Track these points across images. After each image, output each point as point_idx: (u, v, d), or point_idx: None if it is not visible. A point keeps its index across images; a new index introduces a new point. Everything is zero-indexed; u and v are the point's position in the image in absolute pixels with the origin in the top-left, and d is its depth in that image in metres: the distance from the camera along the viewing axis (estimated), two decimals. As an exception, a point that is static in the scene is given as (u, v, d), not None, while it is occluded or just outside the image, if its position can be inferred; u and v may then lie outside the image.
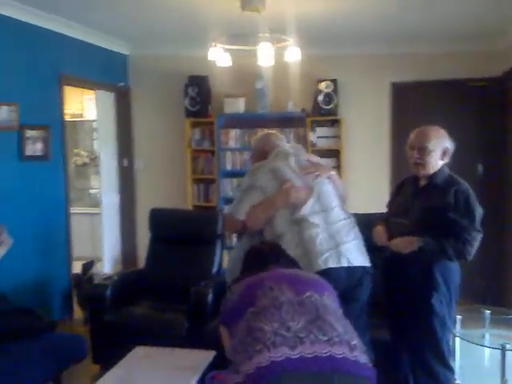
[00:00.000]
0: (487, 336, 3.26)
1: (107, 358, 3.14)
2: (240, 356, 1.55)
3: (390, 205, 2.87)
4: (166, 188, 5.56)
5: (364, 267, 2.49)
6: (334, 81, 4.99)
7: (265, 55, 3.52)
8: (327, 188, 2.63)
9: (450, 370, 2.66)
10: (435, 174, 2.63)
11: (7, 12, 3.78)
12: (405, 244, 2.57)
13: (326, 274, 2.34)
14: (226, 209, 2.79)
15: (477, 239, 2.53)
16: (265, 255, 2.18)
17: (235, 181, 5.35)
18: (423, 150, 2.61)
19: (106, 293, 3.50)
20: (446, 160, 2.65)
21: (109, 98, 5.52)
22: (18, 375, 2.32)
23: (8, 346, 2.38)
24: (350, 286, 2.44)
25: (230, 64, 3.81)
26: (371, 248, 2.65)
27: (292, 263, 2.20)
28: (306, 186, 2.56)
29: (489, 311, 3.35)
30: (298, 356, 1.48)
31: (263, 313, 1.65)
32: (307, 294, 1.75)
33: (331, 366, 1.50)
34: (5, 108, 3.76)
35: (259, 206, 2.59)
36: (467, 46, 4.77)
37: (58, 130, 4.43)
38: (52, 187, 4.40)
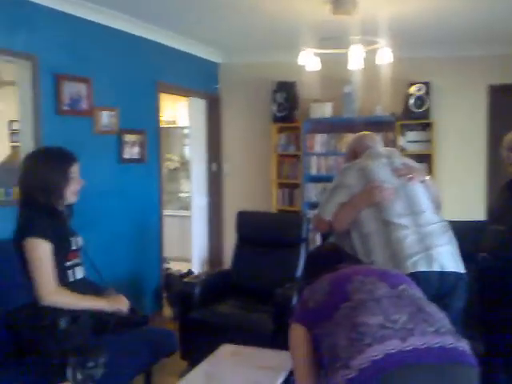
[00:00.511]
0: None
1: (194, 354, 3.26)
2: (346, 351, 1.54)
3: (490, 210, 2.73)
4: (251, 192, 5.66)
5: (458, 273, 2.36)
6: (426, 83, 4.83)
7: (355, 58, 3.49)
8: (419, 191, 2.54)
9: None
10: None
11: (110, 23, 4.05)
12: None
13: (415, 277, 2.23)
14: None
15: None
16: (327, 257, 2.15)
17: (320, 186, 5.34)
18: None
19: (195, 291, 3.63)
20: None
21: (201, 104, 5.75)
22: (116, 365, 2.45)
23: (106, 337, 2.53)
24: (441, 292, 2.32)
25: (319, 68, 3.81)
26: (465, 256, 2.52)
27: (357, 263, 2.16)
28: (393, 187, 2.49)
29: None
30: (410, 348, 1.50)
31: (362, 307, 1.63)
32: (401, 287, 1.73)
33: (443, 357, 1.52)
34: (106, 113, 4.03)
35: (345, 205, 2.56)
36: None
37: (153, 135, 4.67)
38: (147, 189, 4.65)
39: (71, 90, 3.68)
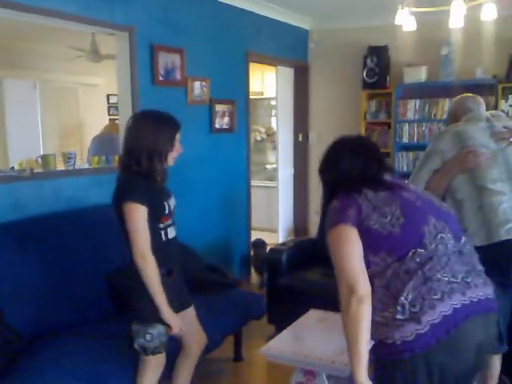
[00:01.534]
0: None
1: (280, 318, 3.32)
2: (414, 303, 1.51)
3: None
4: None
5: None
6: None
7: (457, 15, 3.25)
8: None
9: None
10: None
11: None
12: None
13: (507, 246, 2.16)
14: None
15: None
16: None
17: (412, 154, 5.13)
18: None
19: (282, 258, 3.68)
20: None
21: (288, 73, 5.70)
22: (209, 324, 2.57)
23: (200, 297, 2.64)
24: None
25: (415, 28, 3.61)
26: None
27: None
28: (490, 151, 2.34)
29: None
30: (468, 302, 1.54)
31: (437, 261, 1.56)
32: (463, 240, 1.68)
33: (487, 307, 1.59)
34: (198, 83, 4.12)
35: (438, 172, 2.45)
36: None
37: (242, 105, 4.72)
38: (236, 158, 4.73)
39: (166, 60, 3.79)
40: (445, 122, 2.84)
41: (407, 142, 5.12)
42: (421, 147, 5.06)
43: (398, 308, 1.51)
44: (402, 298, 1.51)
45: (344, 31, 5.40)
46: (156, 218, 2.16)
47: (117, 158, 3.30)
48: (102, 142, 5.47)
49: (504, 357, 2.37)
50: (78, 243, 2.87)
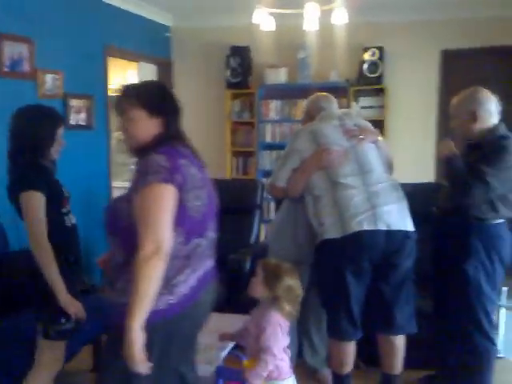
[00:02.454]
0: None
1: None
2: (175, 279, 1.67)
3: None
4: (205, 160, 5.53)
5: (405, 232, 2.36)
6: (380, 48, 4.82)
7: (310, 17, 3.40)
8: (370, 152, 2.52)
9: (491, 341, 2.55)
10: (481, 136, 2.47)
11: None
12: (442, 147, 2.51)
13: (361, 236, 2.29)
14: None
15: (476, 186, 2.34)
16: None
17: (275, 153, 5.29)
18: (452, 118, 2.56)
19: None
20: (481, 121, 2.46)
21: (151, 70, 5.53)
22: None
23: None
24: (388, 251, 2.34)
25: (274, 29, 3.71)
26: (418, 217, 2.52)
27: None
28: (342, 149, 2.47)
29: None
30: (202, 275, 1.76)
31: (201, 251, 1.76)
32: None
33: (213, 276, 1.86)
34: (50, 76, 3.82)
35: (297, 170, 2.56)
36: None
37: (101, 101, 4.47)
38: (95, 158, 4.47)
39: (12, 50, 3.49)
40: (301, 121, 2.95)
41: (270, 141, 5.27)
42: (283, 146, 5.20)
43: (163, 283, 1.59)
44: (171, 276, 1.61)
45: (206, 30, 5.41)
46: (57, 201, 2.21)
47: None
48: None
49: (358, 342, 2.50)
50: None
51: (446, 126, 4.63)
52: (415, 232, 2.41)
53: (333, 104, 2.81)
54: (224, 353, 2.31)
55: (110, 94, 4.66)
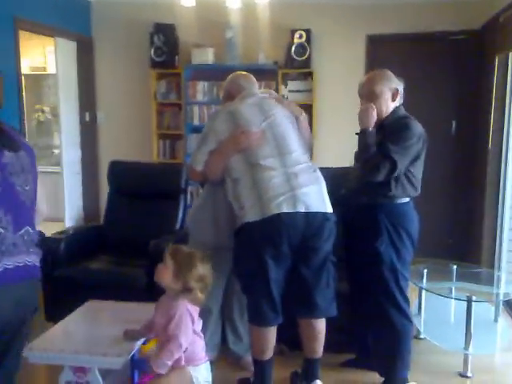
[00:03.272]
0: (453, 289, 3.26)
1: (61, 314, 2.98)
2: None
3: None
4: (129, 143, 5.31)
5: (324, 213, 2.33)
6: (307, 31, 4.76)
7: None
8: (289, 132, 2.47)
9: (407, 317, 2.58)
10: (387, 116, 2.52)
11: None
12: (364, 116, 2.47)
13: (280, 219, 2.23)
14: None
15: (383, 164, 2.37)
16: None
17: (203, 137, 5.14)
18: (371, 97, 2.51)
19: (60, 247, 3.31)
20: (398, 101, 2.54)
21: (70, 47, 5.21)
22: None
23: None
24: (307, 233, 2.30)
25: (194, 4, 3.54)
26: (336, 200, 2.50)
27: None
28: (260, 130, 2.40)
29: (455, 265, 3.33)
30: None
31: None
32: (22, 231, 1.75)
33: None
34: None
35: (214, 153, 2.46)
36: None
37: (12, 80, 4.12)
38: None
39: None
40: (221, 100, 2.84)
41: (198, 123, 5.11)
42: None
43: None
44: None
45: (129, 5, 5.13)
46: None
47: None
48: None
49: (282, 326, 2.44)
50: None
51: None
52: (334, 214, 2.38)
53: (253, 85, 2.72)
54: (139, 343, 2.17)
55: (24, 72, 4.32)
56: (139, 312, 2.50)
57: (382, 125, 2.50)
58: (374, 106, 2.46)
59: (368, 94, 2.53)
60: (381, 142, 2.42)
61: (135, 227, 3.67)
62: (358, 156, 2.53)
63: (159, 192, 3.78)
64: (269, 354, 2.44)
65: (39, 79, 6.79)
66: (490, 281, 3.46)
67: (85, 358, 2.04)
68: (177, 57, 5.05)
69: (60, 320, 2.85)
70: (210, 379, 2.10)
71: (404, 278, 2.57)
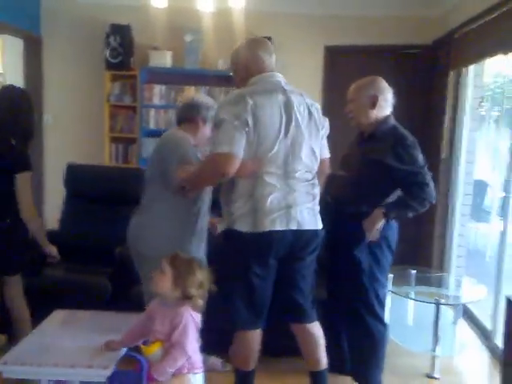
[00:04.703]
0: (413, 294, 3.34)
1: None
2: None
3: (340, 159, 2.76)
4: (80, 147, 5.07)
5: (315, 230, 2.29)
6: (268, 38, 4.73)
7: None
8: (301, 147, 2.21)
9: (382, 323, 2.64)
10: (376, 125, 2.56)
11: None
12: (369, 226, 2.47)
13: (271, 235, 2.17)
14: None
15: (430, 179, 2.47)
16: None
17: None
18: (350, 101, 2.58)
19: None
20: (379, 109, 2.55)
21: (17, 44, 4.95)
22: None
23: None
24: (295, 247, 2.26)
25: (166, 5, 3.46)
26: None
27: None
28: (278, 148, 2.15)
29: (414, 270, 3.43)
30: None
31: None
32: None
33: None
34: None
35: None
36: (402, 10, 4.71)
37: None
38: None
39: None
40: (236, 77, 2.37)
41: (154, 128, 4.97)
42: (167, 134, 4.99)
43: None
44: None
45: (83, 4, 4.94)
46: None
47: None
48: None
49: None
50: None
51: (330, 120, 4.76)
52: (323, 229, 2.34)
53: (272, 56, 2.31)
54: (121, 354, 2.05)
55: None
56: (113, 321, 2.39)
57: (373, 134, 2.53)
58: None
59: (348, 100, 2.58)
60: (381, 157, 2.45)
61: (95, 233, 3.51)
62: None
63: (119, 196, 3.63)
64: (252, 363, 2.36)
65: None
66: (445, 284, 3.59)
67: (66, 371, 1.89)
68: (132, 58, 4.91)
69: (13, 332, 2.69)
70: None
71: (382, 286, 2.62)
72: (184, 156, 2.42)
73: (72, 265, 3.32)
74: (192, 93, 4.76)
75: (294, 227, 2.20)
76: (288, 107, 2.18)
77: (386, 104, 2.58)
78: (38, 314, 2.48)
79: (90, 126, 5.10)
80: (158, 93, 4.93)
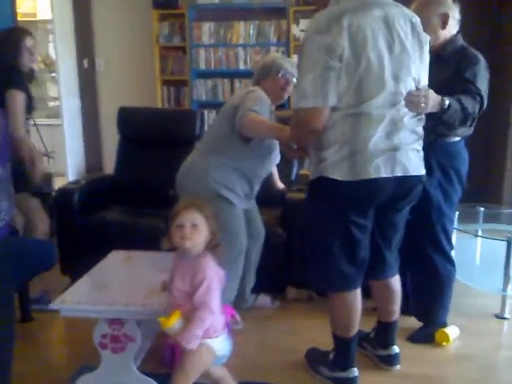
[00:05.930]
0: (480, 231, 3.19)
1: (77, 267, 2.83)
2: None
3: None
4: (132, 91, 5.05)
5: (419, 176, 1.99)
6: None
7: None
8: (409, 69, 1.88)
9: (451, 262, 2.48)
10: (442, 45, 2.30)
11: None
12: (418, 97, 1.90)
13: (373, 183, 1.86)
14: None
15: (475, 107, 2.14)
16: None
17: (210, 83, 4.88)
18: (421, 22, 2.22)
19: (74, 197, 3.13)
20: (453, 28, 2.31)
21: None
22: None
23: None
24: (396, 195, 1.96)
25: None
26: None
27: None
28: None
29: (482, 207, 3.24)
30: None
31: None
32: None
33: None
34: None
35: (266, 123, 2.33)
36: None
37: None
38: None
39: None
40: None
41: (204, 68, 4.84)
42: (219, 74, 4.86)
43: None
44: None
45: None
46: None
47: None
48: None
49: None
50: None
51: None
52: (425, 175, 2.05)
53: None
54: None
55: (19, 18, 4.03)
56: (168, 261, 2.37)
57: (439, 55, 2.26)
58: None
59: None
60: (465, 79, 2.17)
61: (149, 176, 3.49)
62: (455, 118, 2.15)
63: (172, 139, 3.58)
64: (355, 329, 2.08)
65: (29, 26, 6.38)
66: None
67: (123, 309, 1.90)
68: (180, -5, 4.74)
69: (77, 272, 2.74)
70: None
71: (451, 222, 2.45)
72: (260, 111, 2.33)
73: (128, 208, 3.34)
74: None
75: (399, 173, 1.89)
76: (388, 24, 1.82)
77: (454, 22, 2.32)
78: (96, 255, 2.48)
79: (140, 69, 5.05)
80: (207, 31, 4.76)
